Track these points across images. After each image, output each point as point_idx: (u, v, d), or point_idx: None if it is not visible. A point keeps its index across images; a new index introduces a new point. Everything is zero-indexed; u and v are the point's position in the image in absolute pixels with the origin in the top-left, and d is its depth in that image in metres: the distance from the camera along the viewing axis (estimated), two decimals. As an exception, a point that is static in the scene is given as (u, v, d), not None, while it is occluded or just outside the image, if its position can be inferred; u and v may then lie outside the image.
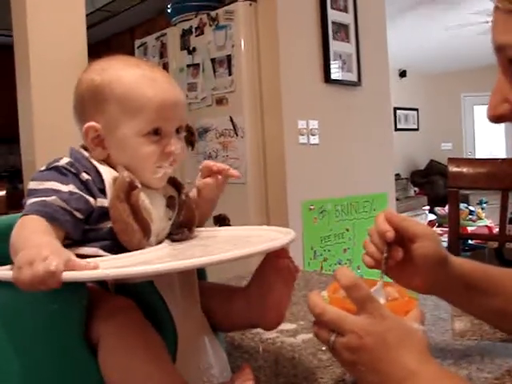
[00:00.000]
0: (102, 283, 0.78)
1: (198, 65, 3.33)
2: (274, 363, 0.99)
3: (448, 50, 8.39)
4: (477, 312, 0.96)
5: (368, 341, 0.72)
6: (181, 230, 0.88)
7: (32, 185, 0.77)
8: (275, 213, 3.07)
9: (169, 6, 3.73)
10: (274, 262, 0.84)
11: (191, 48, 3.38)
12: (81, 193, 0.78)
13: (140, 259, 0.75)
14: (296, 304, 1.29)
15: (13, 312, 0.72)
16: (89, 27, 2.56)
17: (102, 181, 0.80)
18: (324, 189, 3.22)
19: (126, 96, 0.82)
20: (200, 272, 0.91)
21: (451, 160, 1.83)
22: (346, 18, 3.34)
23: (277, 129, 3.06)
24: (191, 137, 3.34)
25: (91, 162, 0.82)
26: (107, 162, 0.84)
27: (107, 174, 0.81)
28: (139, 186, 0.81)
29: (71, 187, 0.77)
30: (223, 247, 0.80)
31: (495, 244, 2.23)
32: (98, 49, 4.38)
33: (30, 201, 0.75)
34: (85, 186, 0.79)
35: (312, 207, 3.10)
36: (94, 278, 0.67)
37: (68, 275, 0.65)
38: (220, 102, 3.21)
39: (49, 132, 2.34)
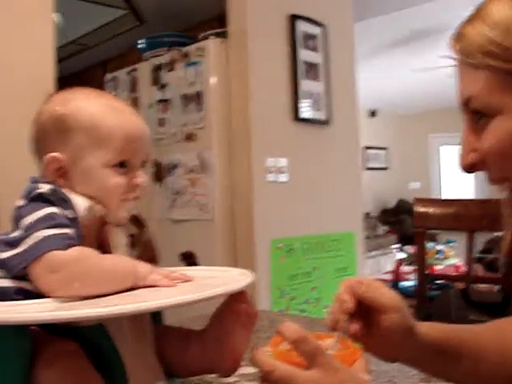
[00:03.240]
0: (47, 325, 0.74)
1: (168, 100, 3.32)
2: (233, 410, 0.95)
3: (416, 91, 8.56)
4: (447, 377, 0.94)
5: None
6: None
7: (30, 218, 0.73)
8: (243, 250, 3.05)
9: (141, 42, 3.74)
10: (233, 306, 0.81)
11: (162, 83, 3.37)
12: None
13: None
14: (260, 345, 1.26)
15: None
16: (61, 59, 2.53)
17: (73, 210, 0.77)
18: (292, 227, 3.20)
19: (92, 125, 0.80)
20: (155, 314, 0.88)
21: (417, 200, 1.83)
22: (316, 58, 3.37)
23: (245, 166, 3.05)
24: (160, 172, 3.32)
25: (62, 191, 0.79)
26: None
27: (80, 203, 0.78)
28: (109, 220, 0.79)
29: (69, 213, 0.76)
30: (179, 289, 0.77)
31: (462, 284, 2.22)
32: (70, 81, 4.33)
33: (48, 232, 0.71)
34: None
35: (280, 245, 3.08)
36: (36, 321, 0.65)
37: (13, 318, 0.62)
38: (189, 137, 3.19)
39: (7, 165, 2.28)
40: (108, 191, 0.81)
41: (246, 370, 1.14)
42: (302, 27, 3.29)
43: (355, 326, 0.82)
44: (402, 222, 8.41)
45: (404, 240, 7.67)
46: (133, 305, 0.65)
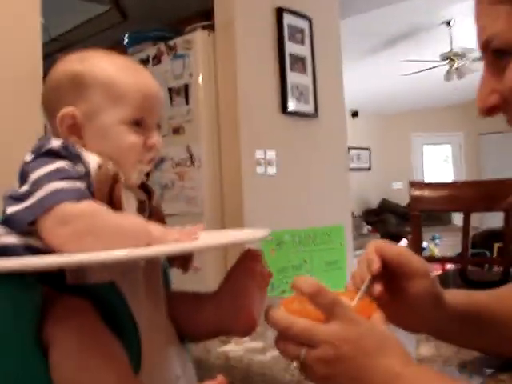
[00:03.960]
0: (58, 283, 0.71)
1: (154, 94, 3.29)
2: (245, 379, 0.93)
3: (398, 91, 8.62)
4: (475, 346, 0.92)
5: (345, 350, 0.67)
6: None
7: (39, 172, 0.69)
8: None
9: (126, 37, 3.71)
10: (249, 264, 0.79)
11: (148, 77, 3.34)
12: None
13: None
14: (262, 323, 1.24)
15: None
16: (45, 57, 2.49)
17: (85, 166, 0.74)
18: (281, 220, 3.18)
19: (110, 82, 0.79)
20: (165, 281, 0.86)
21: (413, 184, 1.82)
22: (303, 51, 3.37)
23: (234, 158, 3.03)
24: (147, 166, 3.28)
25: (73, 146, 0.75)
26: None
27: (92, 160, 0.75)
28: (122, 179, 0.76)
29: (80, 168, 0.73)
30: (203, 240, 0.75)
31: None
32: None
33: (59, 185, 0.67)
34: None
35: (270, 238, 3.06)
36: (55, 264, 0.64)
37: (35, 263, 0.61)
38: (177, 131, 3.16)
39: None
40: (124, 149, 0.78)
41: (253, 344, 1.12)
42: (289, 20, 3.29)
43: (379, 288, 0.79)
44: (385, 221, 8.45)
45: (387, 239, 7.72)
46: (167, 247, 0.63)
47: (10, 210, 0.69)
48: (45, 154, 0.72)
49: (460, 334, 0.88)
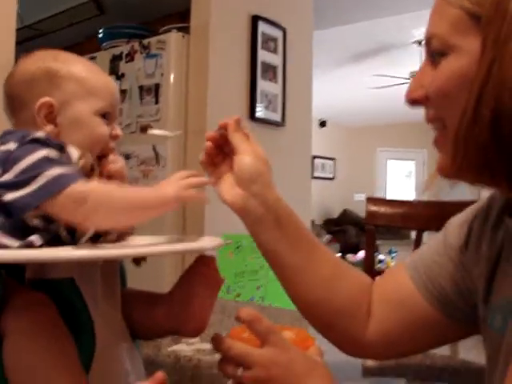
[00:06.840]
0: (18, 277, 0.74)
1: (125, 91, 3.31)
2: (191, 379, 0.97)
3: (367, 105, 8.73)
4: (287, 257, 1.00)
5: (275, 371, 0.73)
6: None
7: (31, 159, 0.71)
8: (192, 244, 3.04)
9: (100, 31, 3.71)
10: (202, 269, 0.84)
11: (120, 73, 3.35)
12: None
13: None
14: (212, 326, 1.28)
15: None
16: (16, 43, 2.48)
17: (68, 157, 0.78)
18: (241, 224, 3.22)
19: (84, 77, 0.84)
20: (121, 279, 0.89)
21: (370, 199, 1.88)
22: (275, 60, 3.42)
23: (199, 161, 3.06)
24: (112, 162, 3.29)
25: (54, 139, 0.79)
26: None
27: (73, 151, 0.79)
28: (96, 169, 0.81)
29: (65, 158, 0.77)
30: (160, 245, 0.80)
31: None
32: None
33: (60, 170, 0.70)
34: None
35: (229, 241, 3.09)
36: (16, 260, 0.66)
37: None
38: (144, 129, 3.19)
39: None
40: (95, 138, 0.83)
41: (203, 345, 1.16)
42: (264, 29, 3.33)
43: (210, 136, 1.00)
44: (345, 231, 8.55)
45: (346, 249, 7.82)
46: (127, 249, 0.67)
47: (8, 197, 0.70)
48: (30, 142, 0.75)
49: (271, 231, 1.00)
